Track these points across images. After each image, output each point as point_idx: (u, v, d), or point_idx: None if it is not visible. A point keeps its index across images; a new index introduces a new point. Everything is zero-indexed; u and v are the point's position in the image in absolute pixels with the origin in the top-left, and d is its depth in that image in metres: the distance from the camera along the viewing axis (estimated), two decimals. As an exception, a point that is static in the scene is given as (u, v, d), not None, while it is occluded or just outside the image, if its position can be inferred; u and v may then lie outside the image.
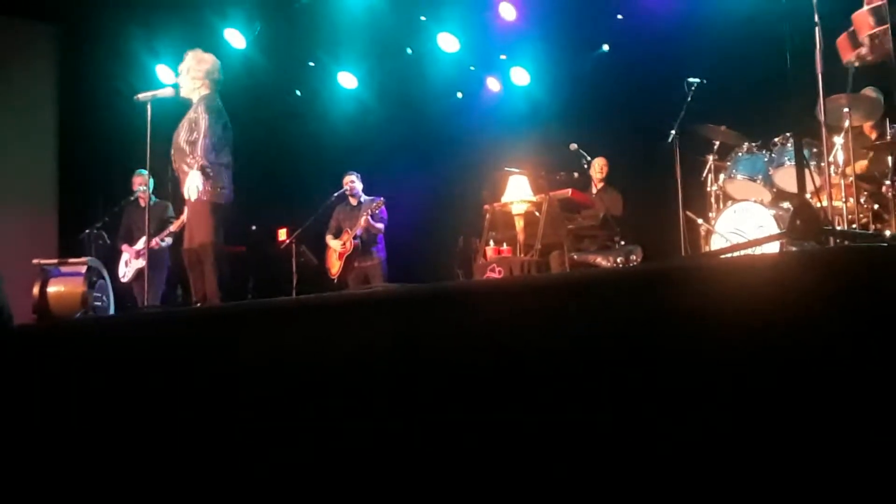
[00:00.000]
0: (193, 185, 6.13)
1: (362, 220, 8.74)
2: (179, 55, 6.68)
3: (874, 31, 4.89)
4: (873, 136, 6.37)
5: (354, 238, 8.81)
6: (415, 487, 2.22)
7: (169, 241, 8.40)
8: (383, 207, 8.86)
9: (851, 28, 5.12)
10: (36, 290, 6.98)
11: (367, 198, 9.02)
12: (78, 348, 2.94)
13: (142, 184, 8.42)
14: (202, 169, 6.14)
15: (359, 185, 9.10)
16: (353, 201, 9.09)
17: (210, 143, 6.20)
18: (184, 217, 7.41)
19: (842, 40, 5.24)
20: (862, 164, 6.14)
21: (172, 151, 6.37)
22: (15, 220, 9.47)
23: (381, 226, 8.87)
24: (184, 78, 6.44)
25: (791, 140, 6.15)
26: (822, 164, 5.71)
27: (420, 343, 2.31)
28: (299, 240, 9.14)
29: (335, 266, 8.96)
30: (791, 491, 1.77)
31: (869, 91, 6.14)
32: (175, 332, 2.85)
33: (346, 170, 9.16)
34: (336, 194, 9.01)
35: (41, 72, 10.21)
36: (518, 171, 7.65)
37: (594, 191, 8.44)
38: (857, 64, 5.22)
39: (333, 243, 9.00)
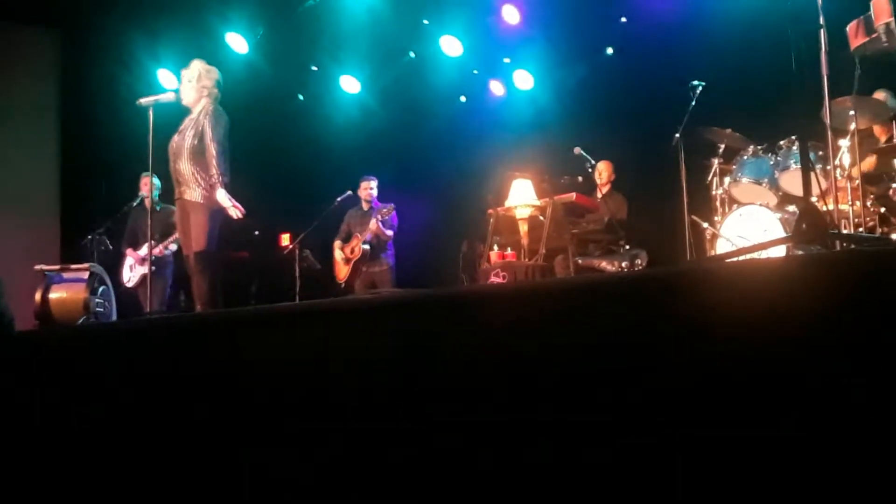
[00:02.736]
0: (229, 204, 6.24)
1: (372, 225, 8.75)
2: (181, 60, 6.69)
3: (892, 19, 4.86)
4: (883, 138, 6.36)
5: (364, 243, 8.83)
6: (420, 493, 2.20)
7: (174, 247, 8.40)
8: (394, 214, 8.88)
9: (868, 13, 5.08)
10: (38, 296, 6.99)
11: (378, 204, 9.05)
12: (80, 355, 2.93)
13: (147, 186, 8.40)
14: (225, 186, 6.23)
15: (375, 192, 9.15)
16: (366, 206, 9.13)
17: (225, 156, 6.29)
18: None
19: (853, 26, 5.20)
20: (870, 162, 6.12)
21: (172, 152, 6.37)
22: (17, 225, 9.49)
23: (390, 232, 8.90)
24: (189, 86, 6.44)
25: (796, 143, 6.14)
26: (828, 168, 5.70)
27: (424, 349, 2.29)
28: (302, 245, 9.14)
29: (342, 271, 9.00)
30: (800, 495, 1.75)
31: (880, 93, 6.13)
32: (178, 338, 2.84)
33: (363, 174, 9.25)
34: (339, 199, 9.02)
35: (43, 76, 10.24)
36: (522, 175, 7.65)
37: (599, 195, 8.42)
38: (866, 52, 5.17)
39: (338, 254, 9.05)
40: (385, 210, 8.81)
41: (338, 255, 9.02)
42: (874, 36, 4.98)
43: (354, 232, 9.03)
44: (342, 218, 9.18)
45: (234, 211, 6.24)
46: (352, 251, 8.93)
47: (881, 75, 5.67)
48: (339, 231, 9.20)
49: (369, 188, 9.12)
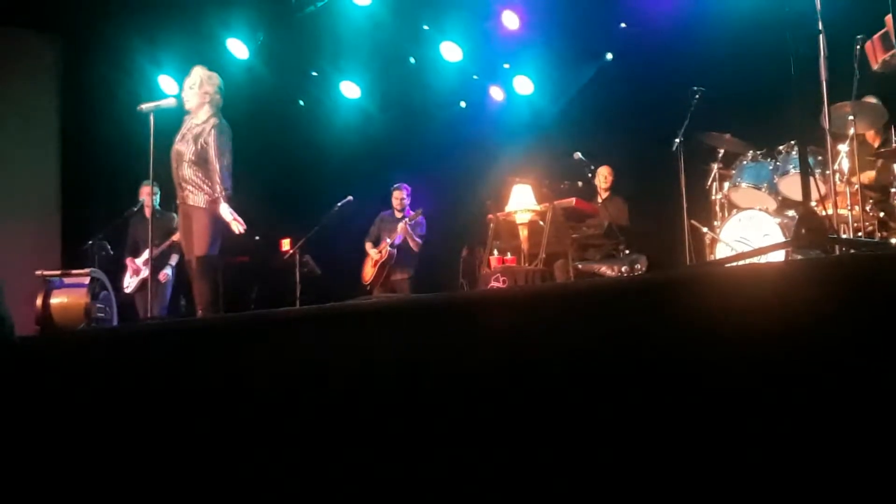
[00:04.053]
0: (231, 218, 6.23)
1: (400, 227, 8.98)
2: (182, 65, 6.69)
3: None
4: (876, 143, 6.37)
5: (391, 247, 8.98)
6: (421, 496, 2.21)
7: (175, 258, 8.40)
8: (423, 222, 9.08)
9: (884, 30, 5.10)
10: (39, 301, 6.98)
11: (410, 212, 9.27)
12: (81, 360, 2.93)
13: (147, 194, 8.40)
14: (228, 200, 6.23)
15: (408, 201, 9.34)
16: (398, 214, 9.34)
17: (229, 171, 6.29)
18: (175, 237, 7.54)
19: (873, 43, 5.22)
20: (870, 175, 6.13)
21: (174, 158, 6.37)
22: (18, 231, 9.48)
23: (419, 241, 9.10)
24: (191, 92, 6.43)
25: (796, 148, 6.14)
26: (827, 172, 5.70)
27: (423, 353, 2.30)
28: (303, 250, 9.15)
29: (369, 273, 9.21)
30: (799, 495, 1.76)
31: (870, 99, 6.14)
32: (178, 343, 2.84)
33: (390, 182, 9.49)
34: (339, 204, 9.03)
35: (44, 82, 10.24)
36: (522, 180, 7.65)
37: (600, 200, 8.43)
38: (889, 67, 5.19)
39: (372, 252, 9.18)
40: (413, 213, 9.03)
41: (373, 253, 9.18)
42: (893, 51, 5.00)
43: (384, 236, 9.20)
44: (346, 222, 9.21)
45: (236, 225, 6.24)
46: (379, 254, 9.09)
47: (878, 81, 5.67)
48: (369, 233, 9.38)
49: (401, 198, 9.36)
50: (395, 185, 9.36)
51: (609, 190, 8.55)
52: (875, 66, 5.32)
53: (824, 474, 1.74)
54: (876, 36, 5.25)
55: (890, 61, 5.17)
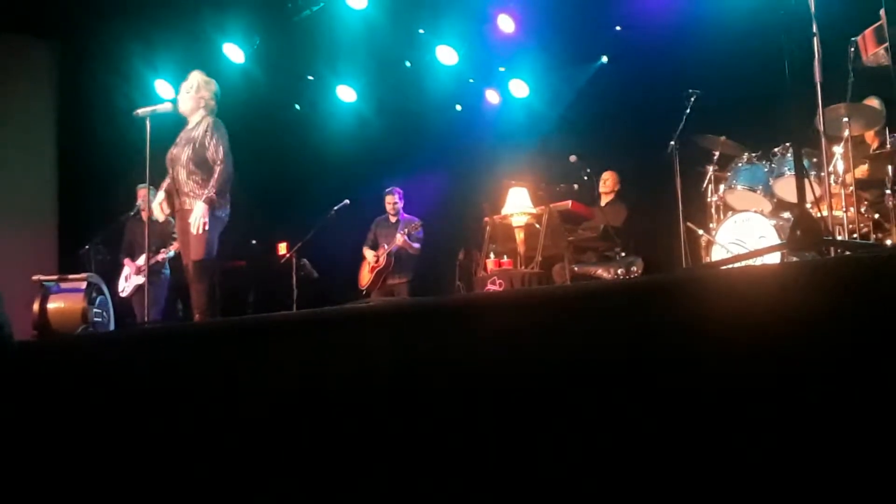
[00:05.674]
0: (199, 216, 6.09)
1: (398, 240, 8.92)
2: (178, 70, 6.70)
3: None
4: (875, 144, 6.37)
5: (389, 255, 8.96)
6: (416, 500, 2.21)
7: (172, 253, 8.40)
8: (420, 229, 9.00)
9: (878, 23, 5.10)
10: (36, 306, 6.99)
11: (406, 216, 9.21)
12: (78, 364, 2.93)
13: (144, 198, 8.39)
14: (210, 201, 6.12)
15: (401, 204, 9.30)
16: (393, 219, 9.30)
17: (228, 171, 6.25)
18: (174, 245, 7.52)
19: (866, 36, 5.22)
20: (863, 169, 6.13)
21: (170, 163, 6.35)
22: (14, 236, 9.47)
23: (417, 246, 9.08)
24: (188, 96, 6.39)
25: (791, 150, 6.15)
26: (822, 174, 5.72)
27: (421, 357, 2.30)
28: (299, 253, 9.16)
29: (366, 278, 9.19)
30: (796, 501, 1.76)
31: (871, 100, 6.14)
32: (175, 347, 2.84)
33: (386, 186, 9.43)
34: (336, 207, 9.05)
35: (40, 87, 10.24)
36: (518, 183, 7.66)
37: (602, 204, 8.43)
38: (881, 61, 5.18)
39: (369, 256, 9.18)
40: (413, 225, 8.99)
41: (370, 256, 9.16)
42: (886, 45, 5.00)
43: (381, 242, 9.18)
44: (343, 226, 9.22)
45: (197, 225, 6.09)
46: (377, 260, 9.06)
47: (873, 82, 5.68)
48: (367, 238, 9.36)
49: (393, 202, 9.31)
50: (388, 189, 9.34)
51: (612, 194, 8.53)
52: (865, 59, 5.32)
53: (823, 476, 1.74)
54: (869, 29, 5.25)
55: (881, 55, 5.17)
